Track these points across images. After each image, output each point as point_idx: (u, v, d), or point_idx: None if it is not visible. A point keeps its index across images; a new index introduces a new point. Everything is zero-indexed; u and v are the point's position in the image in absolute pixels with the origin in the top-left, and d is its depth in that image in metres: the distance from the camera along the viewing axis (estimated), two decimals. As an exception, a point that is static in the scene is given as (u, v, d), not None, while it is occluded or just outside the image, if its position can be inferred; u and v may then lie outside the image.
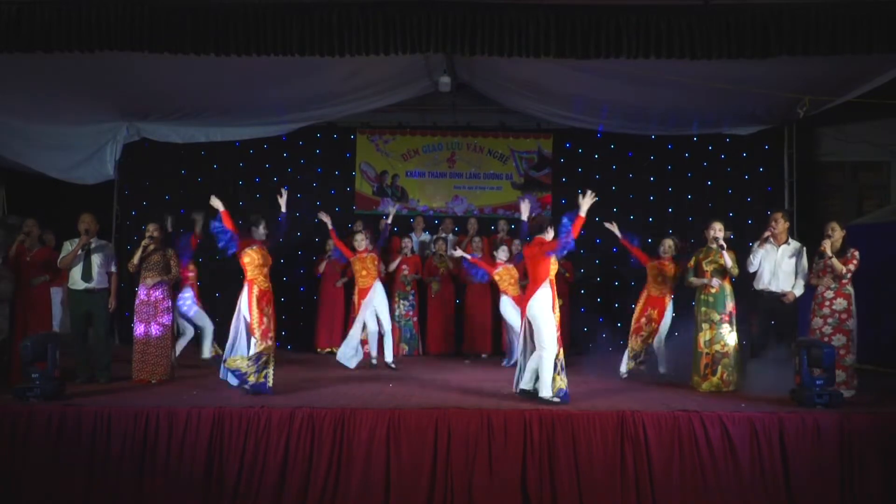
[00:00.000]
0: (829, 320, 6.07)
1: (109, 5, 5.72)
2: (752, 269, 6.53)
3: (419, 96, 9.31)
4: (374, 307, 7.60)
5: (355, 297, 7.71)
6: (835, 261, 6.00)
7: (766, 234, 6.48)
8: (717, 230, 6.40)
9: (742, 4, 5.68)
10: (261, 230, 6.18)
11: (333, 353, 8.85)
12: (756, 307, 6.63)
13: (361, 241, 7.68)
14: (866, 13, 5.56)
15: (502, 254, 7.81)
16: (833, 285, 6.09)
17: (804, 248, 6.46)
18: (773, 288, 6.44)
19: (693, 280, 6.54)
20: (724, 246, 6.32)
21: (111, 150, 9.54)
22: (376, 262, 7.72)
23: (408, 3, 5.76)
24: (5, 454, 4.96)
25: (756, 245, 6.52)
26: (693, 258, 6.61)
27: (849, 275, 6.03)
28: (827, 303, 6.10)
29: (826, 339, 5.99)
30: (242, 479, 4.94)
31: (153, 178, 9.90)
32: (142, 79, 7.69)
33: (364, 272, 7.59)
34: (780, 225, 6.48)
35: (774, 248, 6.47)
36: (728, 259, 6.29)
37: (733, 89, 7.17)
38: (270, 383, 5.86)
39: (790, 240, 6.53)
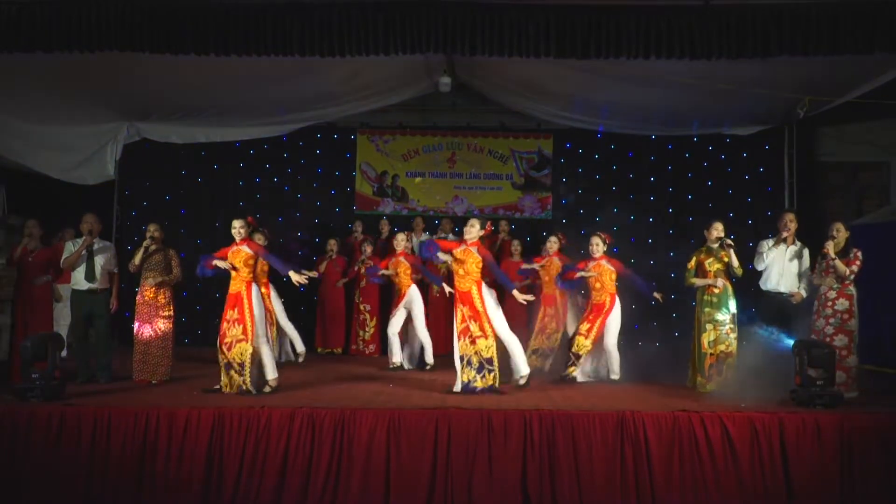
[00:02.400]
0: (832, 321, 6.06)
1: (109, 5, 5.73)
2: (761, 268, 6.52)
3: (419, 96, 9.31)
4: None
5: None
6: (838, 262, 5.99)
7: (785, 234, 6.47)
8: (721, 230, 6.41)
9: (742, 4, 5.68)
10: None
11: (333, 354, 8.91)
12: (759, 307, 6.63)
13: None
14: (867, 13, 5.56)
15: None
16: (836, 285, 6.09)
17: (806, 249, 6.48)
18: (782, 288, 6.45)
19: (696, 280, 6.51)
20: (733, 245, 6.32)
21: (111, 150, 9.54)
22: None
23: (408, 3, 5.77)
24: (5, 454, 4.95)
25: (772, 244, 6.50)
26: (693, 258, 6.60)
27: (852, 276, 6.02)
28: (829, 303, 6.10)
29: (828, 339, 5.98)
30: (242, 479, 4.94)
31: (153, 179, 9.91)
32: (142, 79, 7.69)
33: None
34: (794, 225, 6.49)
35: (783, 249, 6.49)
36: (735, 258, 6.30)
37: (733, 89, 7.17)
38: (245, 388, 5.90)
39: (795, 240, 6.55)
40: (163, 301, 6.63)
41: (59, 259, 6.53)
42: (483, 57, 5.99)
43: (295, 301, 9.67)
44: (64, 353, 6.46)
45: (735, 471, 4.94)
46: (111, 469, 4.95)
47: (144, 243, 6.64)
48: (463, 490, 4.90)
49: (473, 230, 6.20)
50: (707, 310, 6.41)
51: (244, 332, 5.89)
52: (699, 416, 5.04)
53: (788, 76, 7.19)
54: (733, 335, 6.33)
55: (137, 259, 6.61)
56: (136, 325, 6.63)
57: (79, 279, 6.50)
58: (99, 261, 6.54)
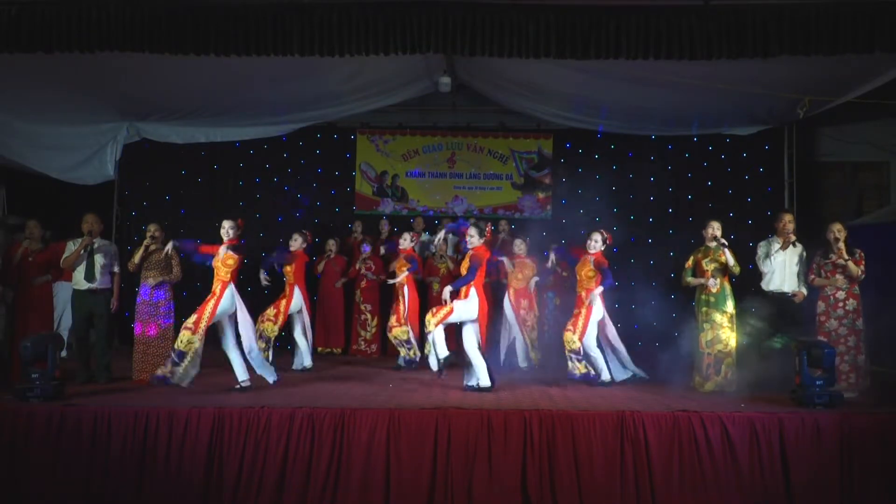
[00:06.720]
0: (844, 321, 6.11)
1: (109, 5, 5.72)
2: (768, 270, 6.49)
3: (419, 96, 9.32)
4: None
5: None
6: (851, 264, 6.03)
7: (792, 237, 6.47)
8: (716, 229, 6.43)
9: (742, 4, 5.68)
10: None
11: (333, 353, 8.91)
12: (762, 308, 6.63)
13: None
14: (867, 13, 5.56)
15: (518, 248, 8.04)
16: (844, 286, 6.12)
17: (802, 248, 6.50)
18: (786, 288, 6.46)
19: (691, 280, 6.54)
20: (727, 243, 6.32)
21: (111, 150, 9.54)
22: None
23: (408, 3, 5.76)
24: (5, 454, 4.96)
25: (779, 247, 6.48)
26: (691, 258, 6.62)
27: (863, 276, 6.06)
28: (840, 304, 6.13)
29: (842, 340, 6.03)
30: (242, 479, 4.94)
31: (153, 179, 9.91)
32: (142, 79, 7.69)
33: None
34: (792, 225, 6.52)
35: (783, 250, 6.49)
36: (731, 257, 6.30)
37: (733, 89, 7.17)
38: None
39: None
40: (163, 301, 6.64)
41: (59, 259, 6.53)
42: (483, 57, 5.99)
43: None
44: (64, 353, 6.46)
45: (735, 471, 4.94)
46: (111, 469, 4.95)
47: (145, 242, 6.66)
48: (463, 490, 4.90)
49: (474, 239, 6.26)
50: (704, 309, 6.42)
51: (196, 322, 5.84)
52: (699, 417, 5.04)
53: (788, 76, 7.19)
54: (731, 335, 6.33)
55: (137, 258, 6.62)
56: (136, 325, 6.64)
57: (79, 279, 6.51)
58: (99, 261, 6.54)
